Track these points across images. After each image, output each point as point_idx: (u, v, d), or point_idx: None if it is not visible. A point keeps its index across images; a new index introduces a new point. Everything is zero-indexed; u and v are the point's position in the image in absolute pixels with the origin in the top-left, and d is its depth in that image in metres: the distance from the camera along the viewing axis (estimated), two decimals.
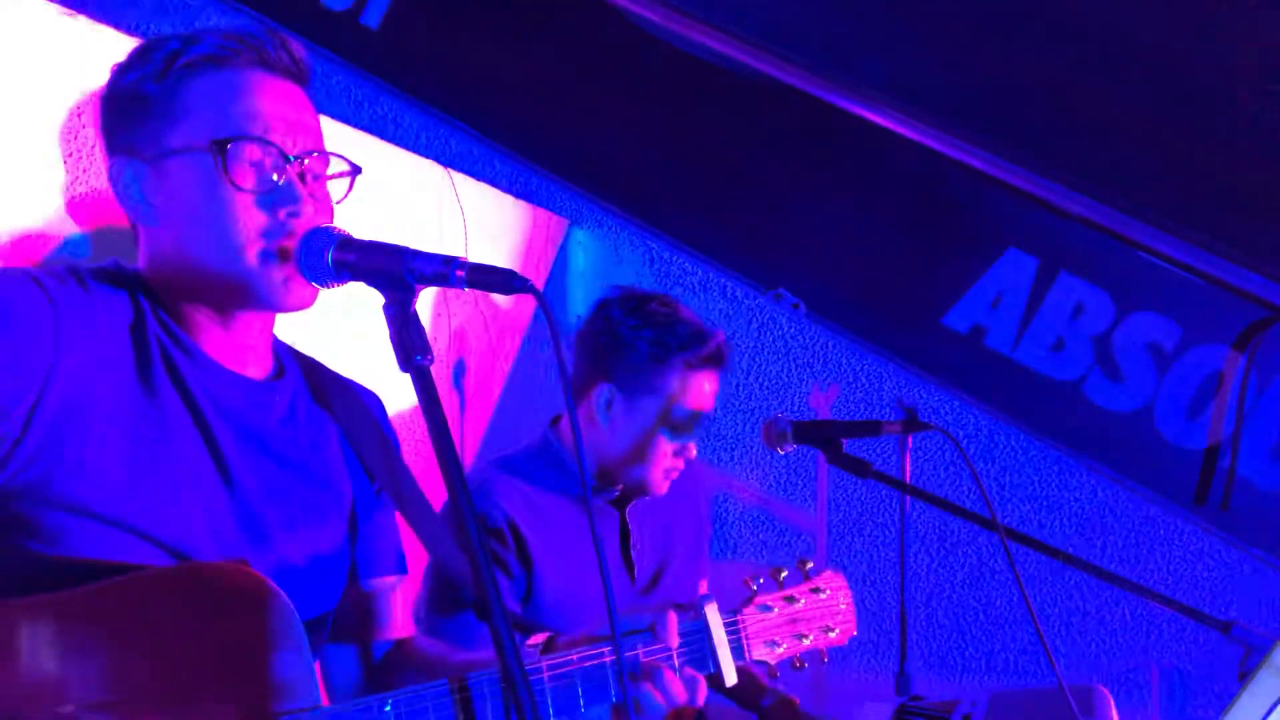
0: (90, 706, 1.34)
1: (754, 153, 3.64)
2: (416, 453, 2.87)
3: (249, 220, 1.50)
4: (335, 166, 1.60)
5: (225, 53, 1.54)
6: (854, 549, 3.58)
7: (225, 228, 1.50)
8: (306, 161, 1.55)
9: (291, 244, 1.50)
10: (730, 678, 1.78)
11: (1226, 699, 1.70)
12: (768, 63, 3.52)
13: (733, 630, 1.82)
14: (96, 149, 1.84)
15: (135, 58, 1.56)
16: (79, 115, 2.03)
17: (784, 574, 1.92)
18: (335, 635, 1.70)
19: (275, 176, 1.51)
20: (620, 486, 2.55)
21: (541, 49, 3.74)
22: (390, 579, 1.77)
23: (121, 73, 1.56)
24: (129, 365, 1.48)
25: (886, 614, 3.54)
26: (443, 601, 2.31)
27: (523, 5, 3.75)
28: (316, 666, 1.66)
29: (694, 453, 2.57)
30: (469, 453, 3.22)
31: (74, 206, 2.01)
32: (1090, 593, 3.43)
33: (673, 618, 1.74)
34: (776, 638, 1.87)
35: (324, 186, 1.58)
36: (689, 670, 1.74)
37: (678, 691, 1.71)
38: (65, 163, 2.00)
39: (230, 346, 1.57)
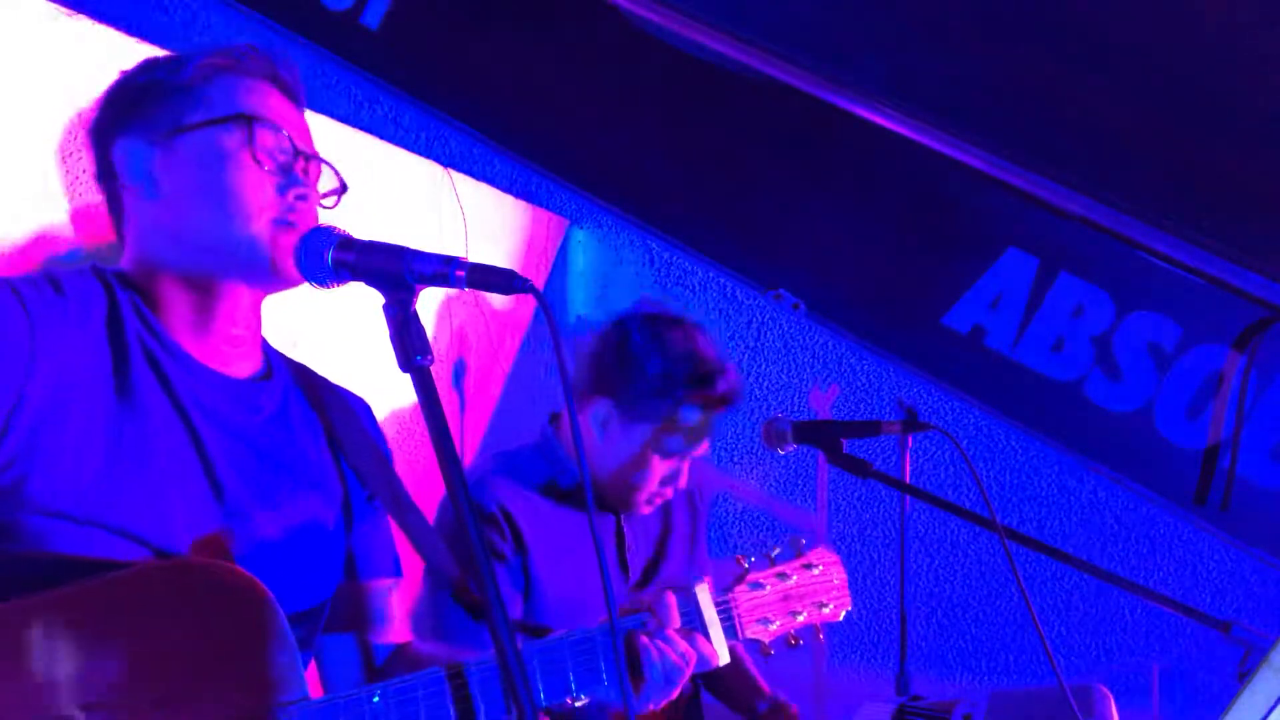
0: (78, 707, 1.34)
1: (754, 153, 3.64)
2: (416, 452, 2.87)
3: (265, 194, 1.56)
4: (326, 183, 1.66)
5: (239, 59, 1.62)
6: (854, 549, 3.58)
7: (243, 195, 1.55)
8: (309, 163, 1.62)
9: (297, 220, 1.57)
10: (723, 656, 1.77)
11: (1226, 699, 1.70)
12: (768, 63, 3.52)
13: (724, 609, 1.81)
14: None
15: (152, 60, 1.65)
16: (80, 117, 2.03)
17: (776, 551, 1.92)
18: (332, 627, 1.71)
19: (286, 164, 1.59)
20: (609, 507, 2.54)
21: (541, 49, 3.74)
22: (386, 581, 1.77)
23: (137, 71, 1.63)
24: (106, 366, 1.49)
25: (886, 614, 3.53)
26: (441, 604, 2.31)
27: (523, 5, 3.75)
28: (312, 662, 1.67)
29: (684, 483, 2.55)
30: (469, 453, 3.21)
31: (75, 216, 2.01)
32: (1090, 593, 3.43)
33: (672, 599, 1.75)
34: (769, 615, 1.87)
35: (317, 192, 1.64)
36: (692, 634, 1.74)
37: (683, 647, 1.70)
38: (65, 163, 2.00)
39: (212, 345, 1.59)
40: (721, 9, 3.56)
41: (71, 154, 2.01)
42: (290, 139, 1.60)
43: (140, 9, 3.74)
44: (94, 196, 1.77)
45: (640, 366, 2.43)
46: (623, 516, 2.57)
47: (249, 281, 1.58)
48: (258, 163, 1.56)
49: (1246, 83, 3.26)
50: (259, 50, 1.63)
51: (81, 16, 2.07)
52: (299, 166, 1.60)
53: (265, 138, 1.57)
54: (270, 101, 1.62)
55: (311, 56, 3.73)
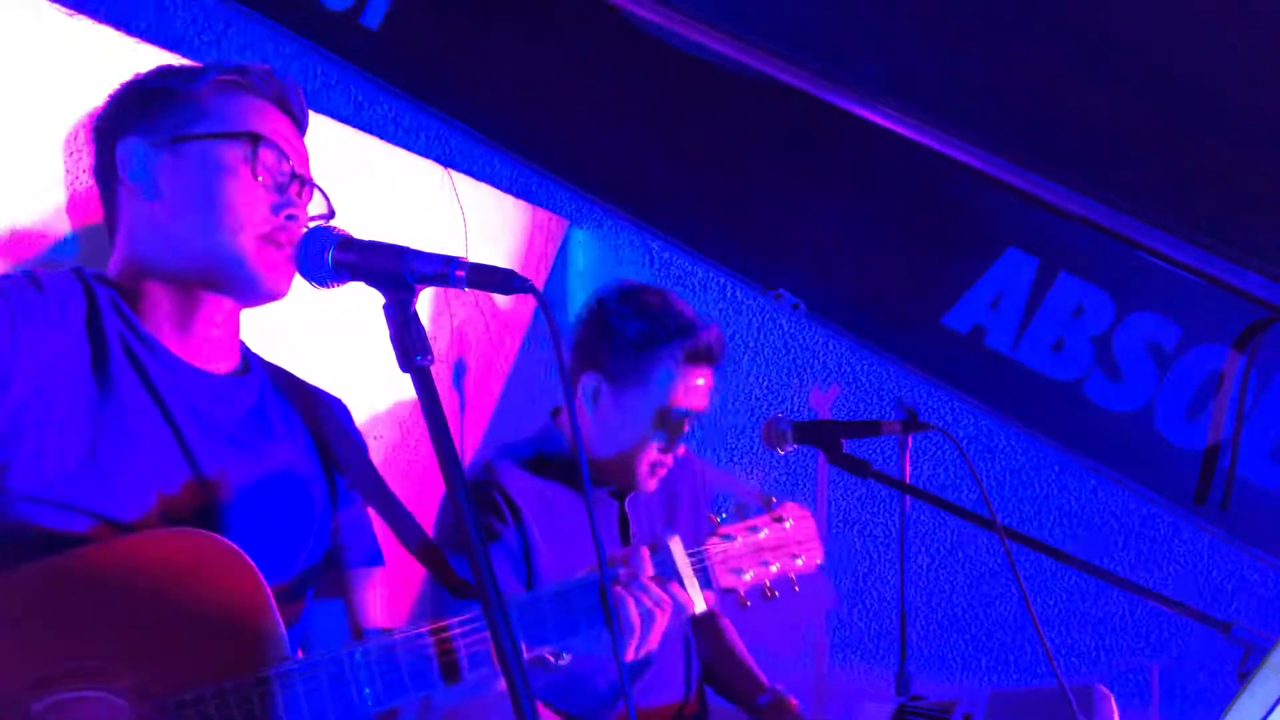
0: (62, 677, 1.37)
1: (754, 153, 3.64)
2: (416, 452, 2.87)
3: (258, 210, 1.61)
4: (316, 208, 1.71)
5: (251, 79, 1.67)
6: (854, 549, 3.58)
7: (237, 208, 1.60)
8: (304, 188, 1.68)
9: (284, 240, 1.61)
10: (699, 603, 1.79)
11: (1226, 699, 1.70)
12: (767, 63, 3.52)
13: (697, 559, 1.84)
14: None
15: (167, 67, 1.69)
16: (85, 116, 2.03)
17: (747, 508, 1.94)
18: (320, 591, 1.74)
19: (283, 185, 1.64)
20: (613, 485, 2.54)
21: (541, 49, 3.74)
22: (368, 569, 1.80)
23: (152, 75, 1.68)
24: (85, 362, 1.53)
25: (886, 614, 3.54)
26: (441, 596, 2.32)
27: (523, 5, 3.75)
28: (300, 634, 1.69)
29: (682, 449, 2.55)
30: (469, 452, 3.22)
31: (71, 203, 2.02)
32: (1090, 593, 3.43)
33: (644, 550, 1.77)
34: (742, 565, 1.89)
35: (306, 214, 1.70)
36: (667, 582, 1.76)
37: (658, 593, 1.72)
38: (66, 161, 2.00)
39: (191, 343, 1.63)
40: (721, 9, 3.57)
41: (74, 153, 2.01)
42: (290, 163, 1.65)
43: (140, 9, 3.74)
44: (91, 194, 1.78)
45: (620, 332, 2.46)
46: (627, 503, 2.57)
47: (229, 293, 1.63)
48: (256, 179, 1.61)
49: (1246, 83, 3.26)
50: (272, 74, 1.69)
51: (81, 16, 2.08)
52: (294, 189, 1.66)
53: (268, 158, 1.63)
54: (276, 125, 1.67)
55: (311, 56, 3.73)
